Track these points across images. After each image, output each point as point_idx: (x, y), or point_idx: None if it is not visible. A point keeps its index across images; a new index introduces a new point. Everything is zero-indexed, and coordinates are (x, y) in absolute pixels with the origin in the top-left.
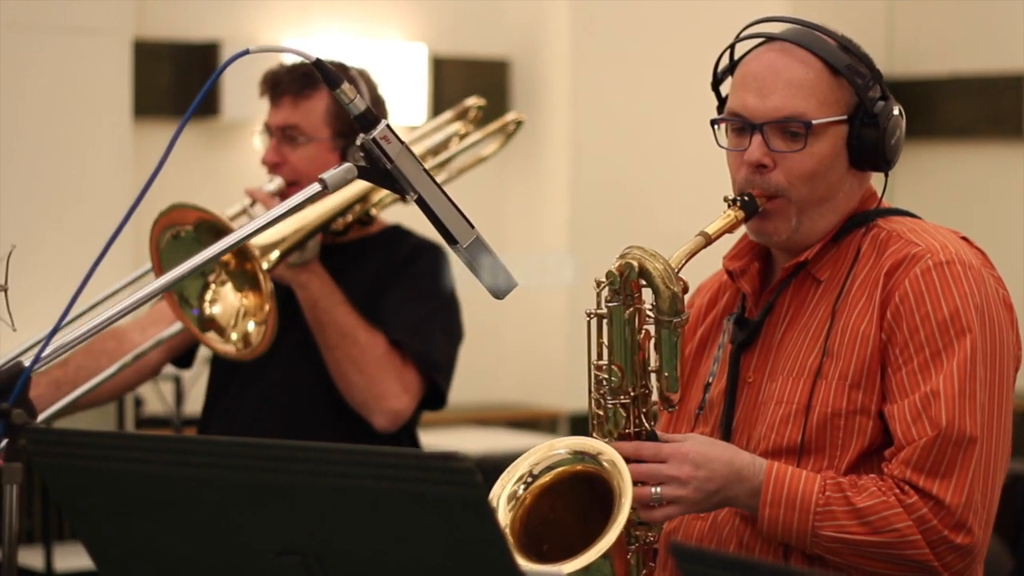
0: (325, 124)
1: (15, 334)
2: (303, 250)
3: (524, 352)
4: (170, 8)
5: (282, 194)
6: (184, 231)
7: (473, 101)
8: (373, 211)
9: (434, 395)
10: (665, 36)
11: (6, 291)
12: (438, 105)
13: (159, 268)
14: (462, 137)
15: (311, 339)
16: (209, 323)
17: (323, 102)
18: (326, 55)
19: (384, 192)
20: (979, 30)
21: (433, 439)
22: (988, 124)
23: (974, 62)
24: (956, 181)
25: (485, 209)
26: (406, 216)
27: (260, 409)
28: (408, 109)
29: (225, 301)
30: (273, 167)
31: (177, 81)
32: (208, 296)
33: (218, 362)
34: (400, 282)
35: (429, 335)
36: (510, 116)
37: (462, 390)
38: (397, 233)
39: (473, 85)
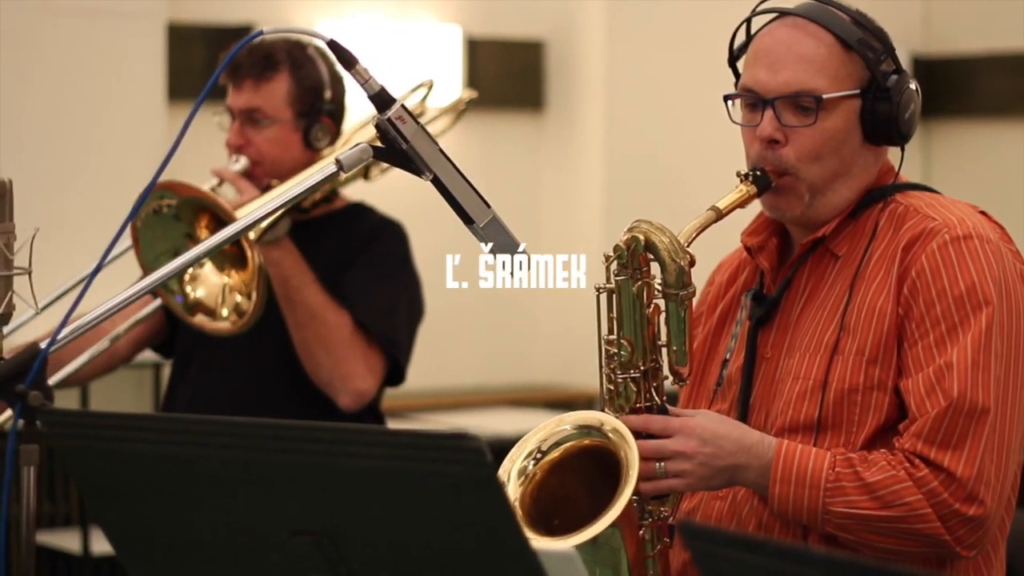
0: (287, 105)
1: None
2: (275, 227)
3: (559, 333)
4: None
5: (247, 174)
6: (166, 206)
7: (467, 95)
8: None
9: (395, 372)
10: (700, 16)
11: (30, 274)
12: (473, 86)
13: (136, 243)
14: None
15: (276, 316)
16: (196, 307)
17: (284, 84)
18: (359, 37)
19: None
20: (1017, 7)
21: (469, 420)
22: None
23: (1012, 39)
24: (994, 159)
25: (520, 190)
26: (369, 194)
27: (223, 387)
28: (442, 91)
29: (207, 283)
30: (237, 149)
31: (211, 64)
32: (187, 277)
33: (178, 342)
34: (362, 260)
35: (393, 316)
36: (464, 94)
37: (498, 371)
38: (359, 210)
39: (507, 66)
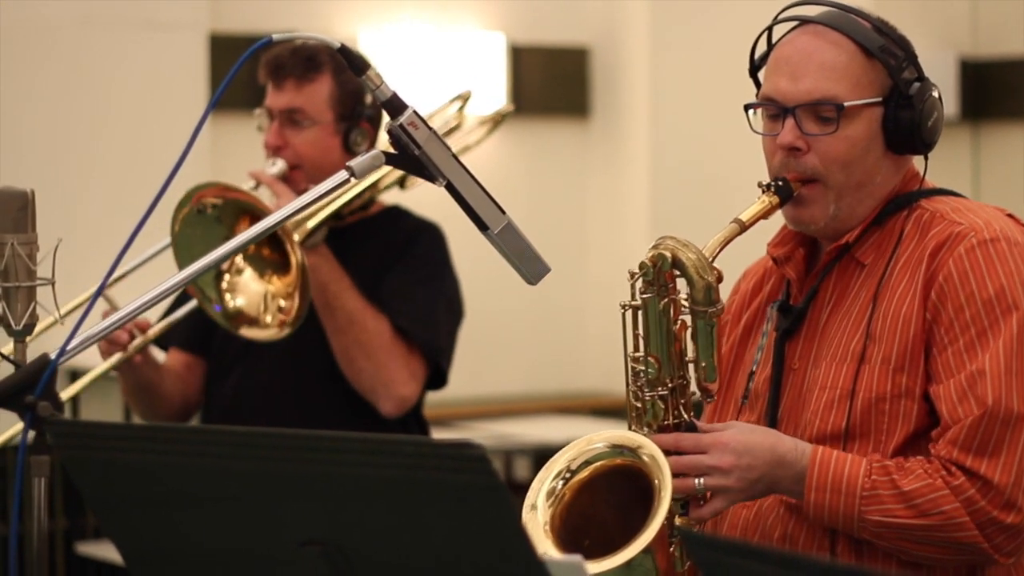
0: (328, 108)
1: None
2: (312, 234)
3: (608, 340)
4: (245, 1)
5: (285, 177)
6: (210, 206)
7: (505, 107)
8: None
9: (436, 376)
10: (746, 21)
11: (53, 284)
12: (517, 94)
13: (175, 244)
14: (454, 129)
15: (317, 324)
16: (237, 316)
17: (326, 86)
18: (403, 45)
19: (389, 176)
20: None
21: (516, 428)
22: None
23: None
24: None
25: (566, 197)
26: (413, 198)
27: (265, 396)
28: (487, 99)
29: (248, 291)
30: (275, 150)
31: (253, 74)
32: (225, 286)
33: (213, 351)
34: (401, 264)
35: (434, 320)
36: (504, 107)
37: (546, 378)
38: (396, 213)
39: (552, 73)
